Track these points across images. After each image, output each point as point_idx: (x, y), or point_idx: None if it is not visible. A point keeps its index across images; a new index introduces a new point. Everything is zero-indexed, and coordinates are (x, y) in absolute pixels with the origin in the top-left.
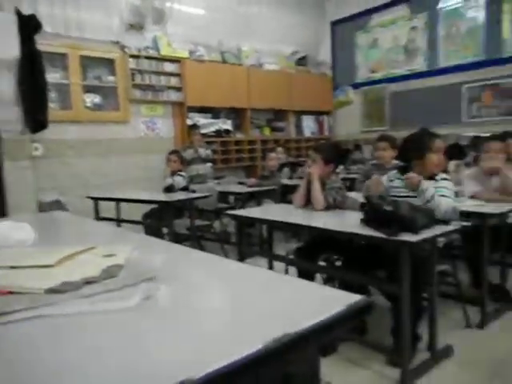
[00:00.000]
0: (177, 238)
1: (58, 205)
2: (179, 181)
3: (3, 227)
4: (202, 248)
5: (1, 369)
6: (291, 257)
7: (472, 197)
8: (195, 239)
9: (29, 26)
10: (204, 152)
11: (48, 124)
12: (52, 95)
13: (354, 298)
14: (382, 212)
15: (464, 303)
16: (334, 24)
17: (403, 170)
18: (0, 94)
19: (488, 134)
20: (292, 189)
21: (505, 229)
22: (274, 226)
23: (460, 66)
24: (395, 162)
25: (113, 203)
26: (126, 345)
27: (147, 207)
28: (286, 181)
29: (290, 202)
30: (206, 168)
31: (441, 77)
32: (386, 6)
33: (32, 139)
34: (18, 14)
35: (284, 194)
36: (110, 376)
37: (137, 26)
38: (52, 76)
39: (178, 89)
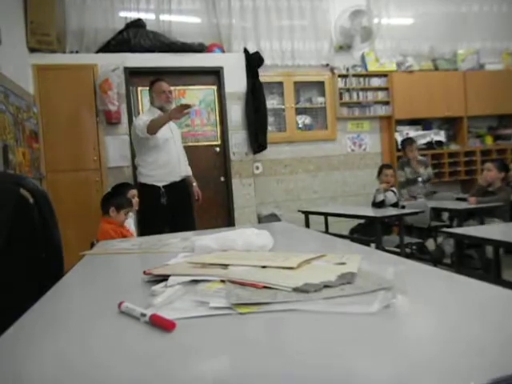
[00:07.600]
0: None
1: (274, 217)
2: (390, 197)
3: (249, 233)
4: None
5: (260, 347)
6: None
7: None
8: (404, 257)
9: (254, 62)
10: (426, 172)
11: (267, 145)
12: (270, 119)
13: None
14: None
15: None
16: None
17: None
18: (232, 121)
19: None
20: None
21: None
22: (504, 247)
23: None
24: None
25: (322, 217)
26: (371, 348)
27: (354, 222)
28: None
29: None
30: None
31: None
32: None
33: (254, 159)
34: (246, 52)
35: None
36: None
37: (345, 47)
38: (270, 102)
39: (386, 103)
